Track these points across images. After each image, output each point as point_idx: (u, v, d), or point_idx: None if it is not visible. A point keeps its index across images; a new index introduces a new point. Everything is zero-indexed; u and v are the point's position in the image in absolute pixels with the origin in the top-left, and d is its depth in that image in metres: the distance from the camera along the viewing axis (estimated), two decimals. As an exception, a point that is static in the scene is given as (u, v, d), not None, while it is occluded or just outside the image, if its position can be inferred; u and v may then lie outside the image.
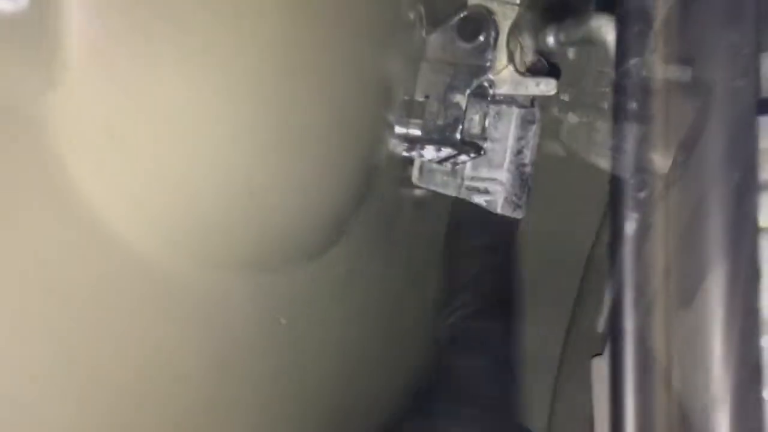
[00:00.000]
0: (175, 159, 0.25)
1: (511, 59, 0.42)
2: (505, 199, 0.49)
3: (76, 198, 0.23)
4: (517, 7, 0.42)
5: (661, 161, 0.45)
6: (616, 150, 0.47)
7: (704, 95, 0.41)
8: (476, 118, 0.45)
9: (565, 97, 0.48)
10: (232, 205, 0.28)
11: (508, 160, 0.49)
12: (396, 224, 0.44)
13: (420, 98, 0.42)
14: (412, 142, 0.43)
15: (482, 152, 0.46)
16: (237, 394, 0.31)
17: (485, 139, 0.46)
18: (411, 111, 0.42)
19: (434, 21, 0.42)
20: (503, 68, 0.42)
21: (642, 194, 0.45)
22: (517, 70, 0.42)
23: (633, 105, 0.45)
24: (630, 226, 0.44)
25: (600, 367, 0.51)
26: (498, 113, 0.45)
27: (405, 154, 0.44)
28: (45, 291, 0.23)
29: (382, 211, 0.43)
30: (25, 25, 0.21)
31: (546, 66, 0.49)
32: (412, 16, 0.40)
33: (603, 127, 0.48)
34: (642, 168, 0.45)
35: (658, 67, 0.42)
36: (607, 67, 0.43)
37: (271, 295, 0.33)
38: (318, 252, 0.37)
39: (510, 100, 0.45)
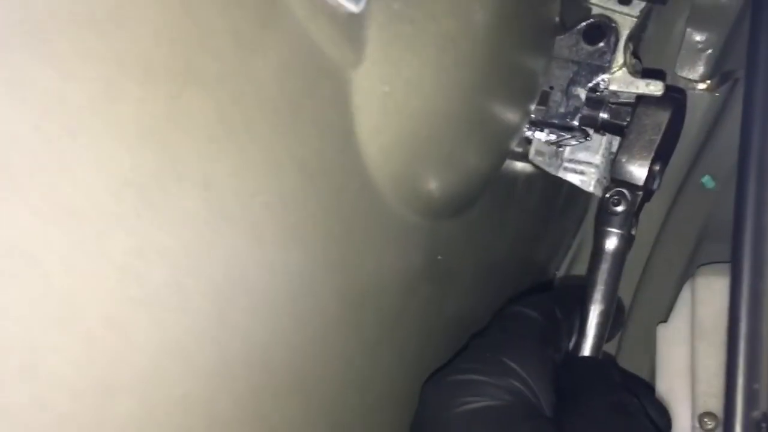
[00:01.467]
0: (420, 131, 0.34)
1: (625, 62, 0.51)
2: (597, 180, 0.58)
3: (359, 157, 0.32)
4: (635, 19, 0.50)
5: (637, 172, 0.51)
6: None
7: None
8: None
9: (534, 116, 0.51)
10: (438, 168, 0.37)
11: (602, 147, 0.57)
12: (512, 193, 0.53)
13: (546, 88, 0.51)
14: (534, 124, 0.52)
15: (588, 138, 0.54)
16: (415, 307, 0.40)
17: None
18: (538, 99, 0.51)
19: (563, 25, 0.50)
20: (618, 69, 0.51)
21: (620, 208, 0.52)
22: (629, 72, 0.51)
23: (605, 117, 0.52)
24: (611, 243, 0.50)
25: (664, 331, 0.60)
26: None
27: (526, 134, 0.52)
28: (327, 226, 0.32)
29: (506, 181, 0.51)
30: (353, 19, 0.29)
31: (642, 68, 0.57)
32: (549, 22, 0.48)
33: (570, 143, 0.53)
34: (618, 181, 0.51)
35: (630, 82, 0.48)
36: (578, 84, 0.50)
37: (435, 237, 0.42)
38: (465, 208, 0.45)
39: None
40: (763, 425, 0.27)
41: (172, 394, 0.25)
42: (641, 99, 0.52)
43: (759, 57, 0.31)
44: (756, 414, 0.27)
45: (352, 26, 0.30)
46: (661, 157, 0.52)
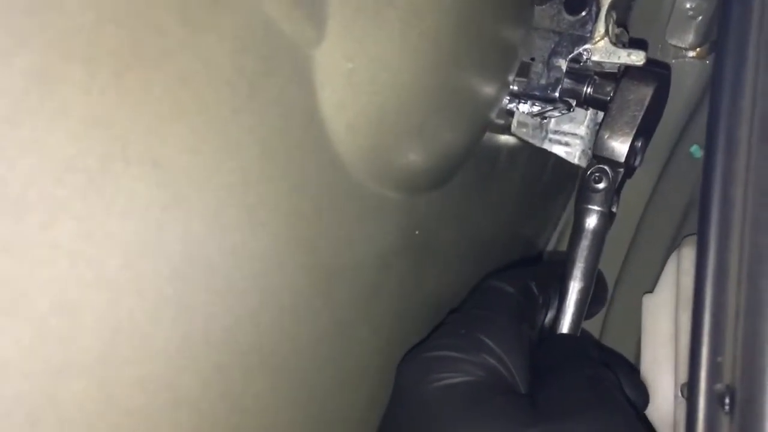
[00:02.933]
0: (387, 105, 0.34)
1: (607, 32, 0.50)
2: (582, 151, 0.57)
3: (325, 134, 0.32)
4: (617, -12, 0.49)
5: (619, 148, 0.50)
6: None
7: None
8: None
9: (515, 88, 0.50)
10: (409, 142, 0.37)
11: (588, 118, 0.57)
12: (495, 166, 0.52)
13: (527, 59, 0.50)
14: (515, 96, 0.51)
15: (572, 109, 0.53)
16: (392, 283, 0.40)
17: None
18: (518, 71, 0.50)
19: (544, -6, 0.49)
20: (600, 39, 0.50)
21: (601, 185, 0.51)
22: (611, 42, 0.50)
23: (588, 91, 0.51)
24: (591, 220, 0.50)
25: (650, 301, 0.60)
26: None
27: (507, 106, 0.52)
28: (293, 205, 0.32)
29: (488, 154, 0.51)
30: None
31: (628, 39, 0.56)
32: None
33: (554, 114, 0.53)
34: (600, 157, 0.50)
35: (612, 52, 0.47)
36: (559, 54, 0.49)
37: (411, 212, 0.42)
38: (443, 182, 0.45)
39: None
40: (726, 398, 0.27)
41: (129, 375, 0.25)
42: (625, 73, 0.51)
43: (730, 23, 0.31)
44: (719, 387, 0.27)
45: (312, 2, 0.29)
46: (644, 133, 0.52)
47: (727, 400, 0.27)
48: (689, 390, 0.29)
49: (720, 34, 0.32)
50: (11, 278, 0.21)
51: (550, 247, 0.72)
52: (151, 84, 0.23)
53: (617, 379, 0.42)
